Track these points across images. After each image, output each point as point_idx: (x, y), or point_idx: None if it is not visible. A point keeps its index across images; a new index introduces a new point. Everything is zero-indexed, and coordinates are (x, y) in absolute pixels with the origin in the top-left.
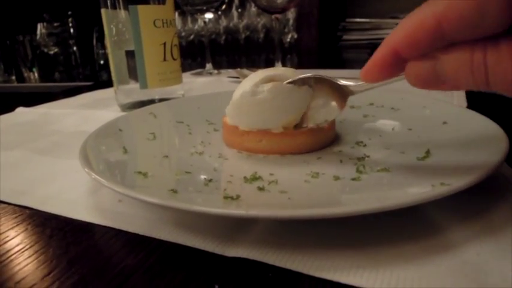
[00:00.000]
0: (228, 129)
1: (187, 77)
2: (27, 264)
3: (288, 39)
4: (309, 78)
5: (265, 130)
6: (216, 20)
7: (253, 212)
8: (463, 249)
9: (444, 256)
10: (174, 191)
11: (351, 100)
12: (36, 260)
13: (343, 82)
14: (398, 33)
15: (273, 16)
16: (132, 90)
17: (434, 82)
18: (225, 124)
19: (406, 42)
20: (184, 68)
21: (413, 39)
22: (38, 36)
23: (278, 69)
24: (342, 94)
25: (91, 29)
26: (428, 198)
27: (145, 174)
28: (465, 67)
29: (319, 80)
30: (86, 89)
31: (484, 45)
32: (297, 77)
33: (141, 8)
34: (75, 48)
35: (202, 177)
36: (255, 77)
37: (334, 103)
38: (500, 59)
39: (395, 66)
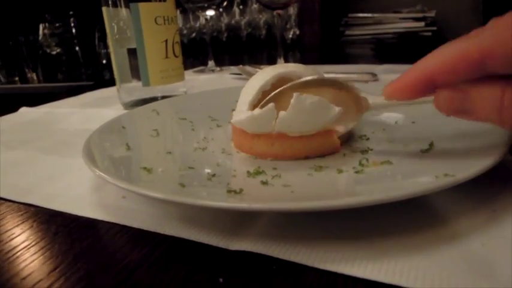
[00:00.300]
0: (238, 132)
1: (189, 74)
2: (33, 261)
3: (290, 35)
4: (335, 81)
5: (279, 133)
6: (218, 17)
7: (257, 205)
8: (467, 240)
9: (448, 247)
10: (179, 186)
11: None
12: (42, 256)
13: (363, 94)
14: (436, 59)
15: (275, 12)
16: (135, 88)
17: (461, 112)
18: (235, 127)
19: (444, 69)
20: (186, 66)
21: (453, 68)
22: (40, 37)
23: (288, 66)
24: (358, 107)
25: (93, 29)
26: (432, 189)
27: (149, 170)
28: (494, 106)
29: (342, 86)
30: (87, 89)
31: None
32: (325, 77)
33: (142, 6)
34: (77, 48)
35: (206, 172)
36: (265, 75)
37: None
38: None
39: (425, 90)
